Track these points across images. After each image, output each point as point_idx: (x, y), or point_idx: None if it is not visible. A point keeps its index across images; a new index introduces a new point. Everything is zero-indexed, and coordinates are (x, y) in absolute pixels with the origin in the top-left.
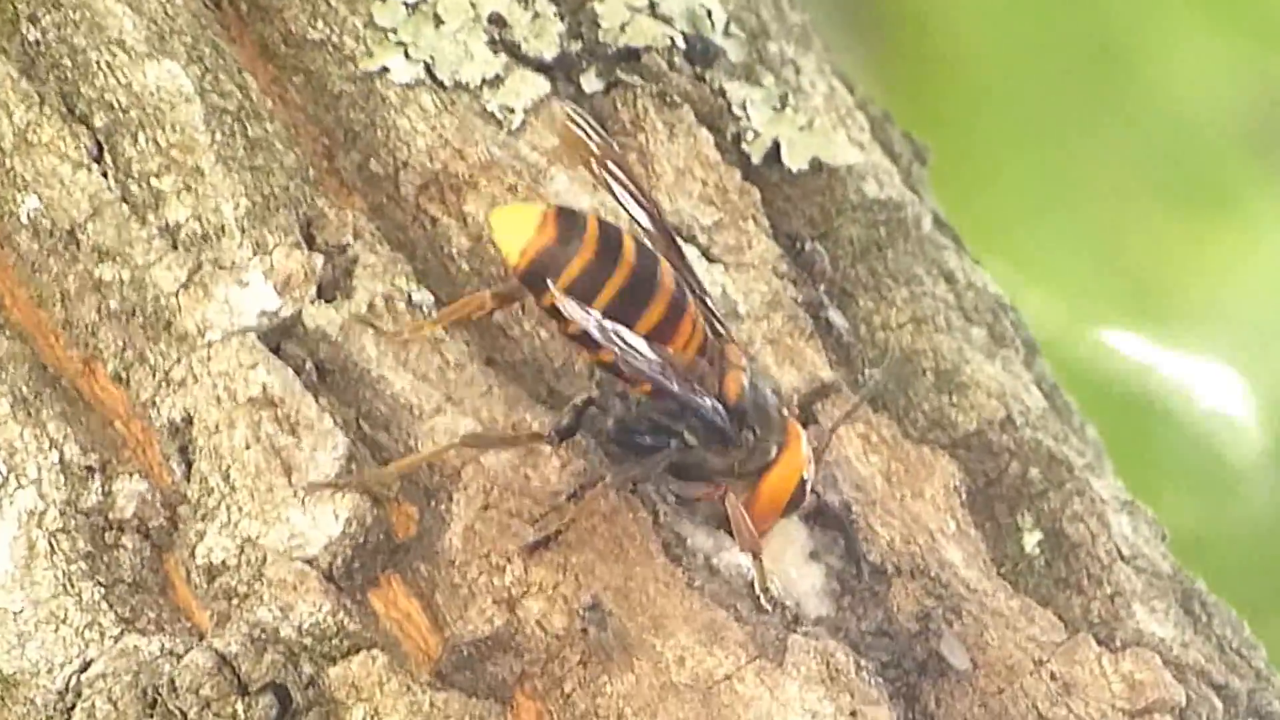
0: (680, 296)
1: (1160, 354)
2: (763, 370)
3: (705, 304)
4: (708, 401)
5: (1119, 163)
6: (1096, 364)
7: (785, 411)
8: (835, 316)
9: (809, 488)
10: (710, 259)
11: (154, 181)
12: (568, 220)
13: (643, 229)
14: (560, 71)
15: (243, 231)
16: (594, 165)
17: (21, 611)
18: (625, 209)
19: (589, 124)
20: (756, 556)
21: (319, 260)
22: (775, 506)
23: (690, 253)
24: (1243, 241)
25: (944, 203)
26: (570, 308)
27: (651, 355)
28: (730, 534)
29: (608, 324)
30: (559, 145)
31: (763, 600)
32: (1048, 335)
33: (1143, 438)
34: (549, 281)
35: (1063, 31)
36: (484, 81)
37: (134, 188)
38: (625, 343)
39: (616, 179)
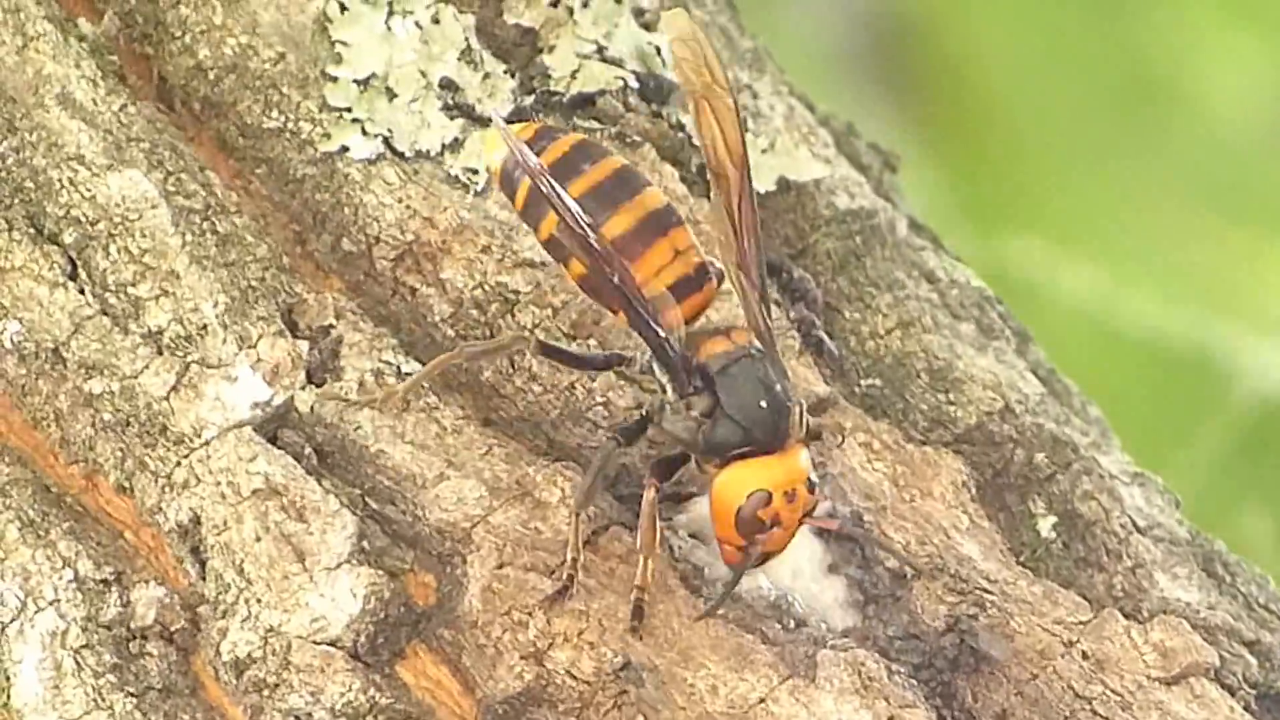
0: (664, 217)
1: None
2: None
3: (755, 285)
4: (649, 320)
5: (1166, 179)
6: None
7: (788, 421)
8: (824, 336)
9: (772, 514)
10: None
11: (131, 290)
12: (544, 130)
13: (715, 174)
14: None
15: (225, 328)
16: (694, 100)
17: None
18: (708, 150)
19: (708, 52)
20: (643, 554)
21: (304, 346)
22: (726, 512)
23: None
24: None
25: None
26: (515, 145)
27: (585, 219)
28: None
29: (548, 177)
30: (678, 56)
31: (631, 597)
32: None
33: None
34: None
35: (1097, 60)
36: (444, 147)
37: (112, 299)
38: (560, 199)
39: (708, 117)
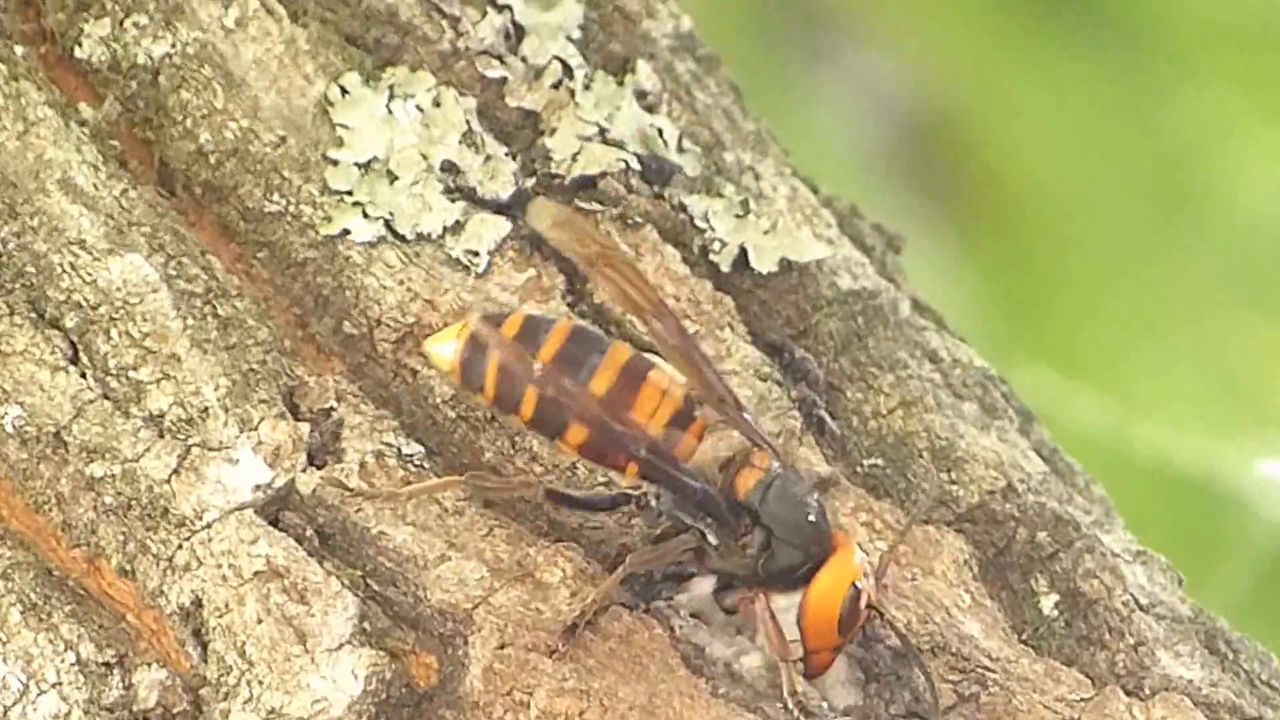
0: (638, 362)
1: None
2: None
3: (735, 409)
4: (689, 480)
5: (1205, 275)
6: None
7: (828, 523)
8: (826, 416)
9: (864, 602)
10: None
11: (132, 374)
12: (485, 320)
13: (649, 325)
14: (519, 209)
15: (226, 411)
16: (594, 272)
17: None
18: (629, 309)
19: (583, 225)
20: (785, 661)
21: (305, 428)
22: (828, 620)
23: (670, 367)
24: None
25: (1041, 338)
26: (510, 356)
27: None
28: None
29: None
30: (557, 241)
31: (789, 705)
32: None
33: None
34: (487, 334)
35: (1132, 158)
36: (445, 229)
37: (113, 383)
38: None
39: (613, 280)
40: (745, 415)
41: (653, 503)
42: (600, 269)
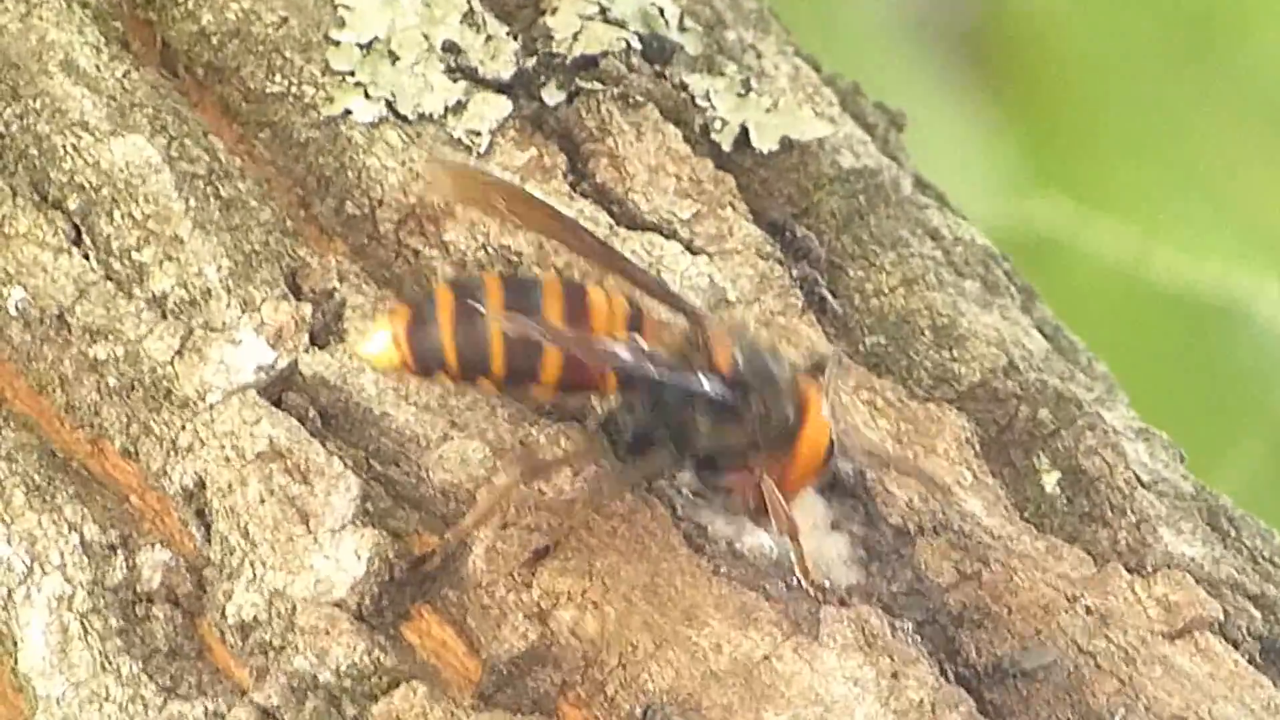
0: (573, 283)
1: None
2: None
3: (666, 290)
4: (690, 375)
5: (1225, 122)
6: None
7: (794, 374)
8: (827, 294)
9: (834, 444)
10: (694, 250)
11: (135, 255)
12: (421, 301)
13: (568, 242)
14: (520, 89)
15: (229, 291)
16: (496, 210)
17: (63, 695)
18: (550, 235)
19: (480, 177)
20: (794, 539)
21: (307, 309)
22: (813, 466)
23: (672, 247)
24: None
25: (1065, 174)
26: (516, 322)
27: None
28: (753, 520)
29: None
30: (467, 203)
31: (803, 583)
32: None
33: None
34: (477, 305)
35: (1156, 16)
36: (447, 109)
37: (116, 264)
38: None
39: (527, 216)
40: (676, 294)
41: (622, 421)
42: (513, 211)
